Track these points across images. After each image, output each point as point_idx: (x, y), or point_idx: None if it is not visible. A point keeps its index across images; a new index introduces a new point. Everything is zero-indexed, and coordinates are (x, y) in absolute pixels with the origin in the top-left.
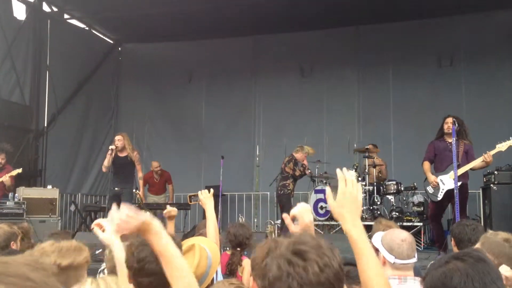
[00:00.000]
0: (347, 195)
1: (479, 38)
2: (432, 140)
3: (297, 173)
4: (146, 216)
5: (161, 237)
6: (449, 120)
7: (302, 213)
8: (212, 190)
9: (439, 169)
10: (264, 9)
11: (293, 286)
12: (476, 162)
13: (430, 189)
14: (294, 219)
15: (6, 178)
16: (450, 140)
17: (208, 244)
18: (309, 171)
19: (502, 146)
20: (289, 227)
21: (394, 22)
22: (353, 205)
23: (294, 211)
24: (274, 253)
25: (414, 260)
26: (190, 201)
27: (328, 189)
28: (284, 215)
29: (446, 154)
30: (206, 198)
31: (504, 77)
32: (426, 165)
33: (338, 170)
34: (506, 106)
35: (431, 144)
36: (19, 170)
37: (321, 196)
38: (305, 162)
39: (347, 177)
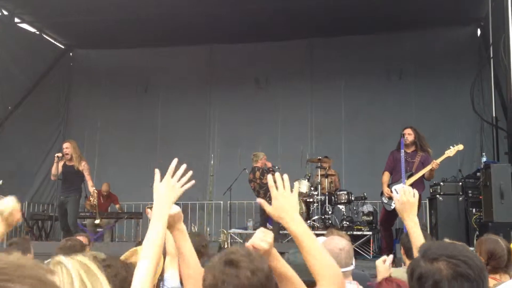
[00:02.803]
0: (280, 198)
1: (427, 54)
2: (392, 150)
3: None
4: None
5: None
6: (404, 132)
7: (262, 242)
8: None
9: (394, 179)
10: (221, 19)
11: None
12: (425, 171)
13: (384, 199)
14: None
15: None
16: (407, 150)
17: None
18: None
19: (450, 152)
20: None
21: (345, 36)
22: (287, 205)
23: (252, 240)
24: (209, 265)
25: (352, 267)
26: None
27: (260, 200)
28: (246, 244)
29: (401, 165)
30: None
31: (450, 91)
32: (385, 176)
33: (269, 177)
34: (452, 119)
35: (391, 155)
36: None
37: None
38: (267, 163)
39: (277, 181)
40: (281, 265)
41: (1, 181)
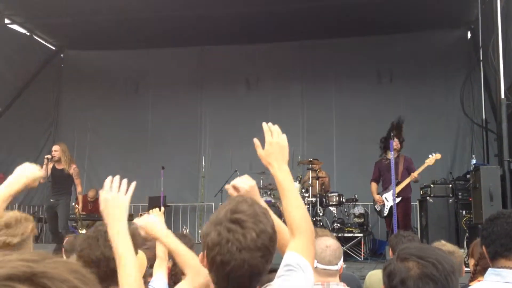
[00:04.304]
0: (274, 145)
1: (417, 56)
2: (376, 161)
3: None
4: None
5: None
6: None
7: (242, 182)
8: (163, 208)
9: (384, 188)
10: (211, 21)
11: (233, 251)
12: (408, 181)
13: (377, 207)
14: (236, 189)
15: None
16: (389, 157)
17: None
18: None
19: (429, 161)
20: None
21: (336, 38)
22: (279, 153)
23: (234, 181)
24: (213, 221)
25: (336, 267)
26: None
27: (256, 140)
28: (227, 186)
29: (388, 175)
30: (156, 216)
31: (441, 93)
32: (373, 186)
33: (264, 124)
34: (442, 121)
35: (376, 166)
36: None
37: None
38: None
39: (272, 128)
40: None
41: None
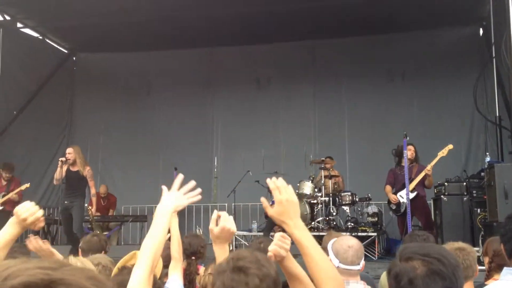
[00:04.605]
0: (284, 203)
1: (429, 54)
2: (391, 168)
3: None
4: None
5: None
6: (409, 147)
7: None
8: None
9: (397, 189)
10: (221, 21)
11: None
12: (422, 176)
13: (393, 206)
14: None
15: (13, 195)
16: (403, 164)
17: None
18: None
19: (442, 152)
20: (266, 210)
21: (347, 37)
22: (291, 210)
23: (272, 248)
24: (217, 270)
25: (358, 267)
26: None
27: (263, 201)
28: (269, 255)
29: (402, 176)
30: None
31: (453, 91)
32: (387, 188)
33: (268, 180)
34: (455, 119)
35: (391, 172)
36: (27, 185)
37: None
38: None
39: (278, 185)
40: (293, 265)
41: (29, 184)
